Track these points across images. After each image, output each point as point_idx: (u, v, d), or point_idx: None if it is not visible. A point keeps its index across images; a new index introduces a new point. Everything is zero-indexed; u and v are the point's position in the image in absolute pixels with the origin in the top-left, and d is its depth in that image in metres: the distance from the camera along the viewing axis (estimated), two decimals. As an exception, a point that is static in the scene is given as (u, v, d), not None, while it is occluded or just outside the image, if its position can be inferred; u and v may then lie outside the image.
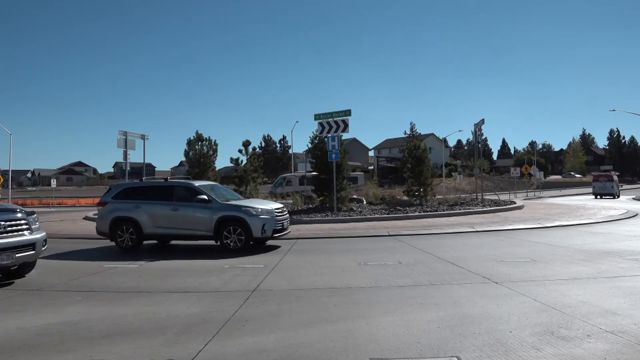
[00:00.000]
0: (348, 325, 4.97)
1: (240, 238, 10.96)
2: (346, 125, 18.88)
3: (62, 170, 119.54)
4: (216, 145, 24.40)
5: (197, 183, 12.21)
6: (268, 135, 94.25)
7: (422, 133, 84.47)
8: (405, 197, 24.70)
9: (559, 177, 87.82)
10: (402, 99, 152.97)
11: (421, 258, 9.42)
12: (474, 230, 14.31)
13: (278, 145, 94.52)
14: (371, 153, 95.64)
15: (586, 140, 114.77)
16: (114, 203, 11.97)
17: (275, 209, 11.60)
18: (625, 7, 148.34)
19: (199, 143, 23.59)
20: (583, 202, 30.07)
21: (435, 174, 55.77)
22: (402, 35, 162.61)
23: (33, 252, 7.62)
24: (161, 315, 5.60)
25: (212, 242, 11.38)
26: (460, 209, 20.97)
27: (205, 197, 11.38)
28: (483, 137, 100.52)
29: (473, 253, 9.92)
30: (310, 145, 22.87)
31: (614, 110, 54.25)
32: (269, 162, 71.18)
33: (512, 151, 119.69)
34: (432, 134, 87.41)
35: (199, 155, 23.15)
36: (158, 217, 11.51)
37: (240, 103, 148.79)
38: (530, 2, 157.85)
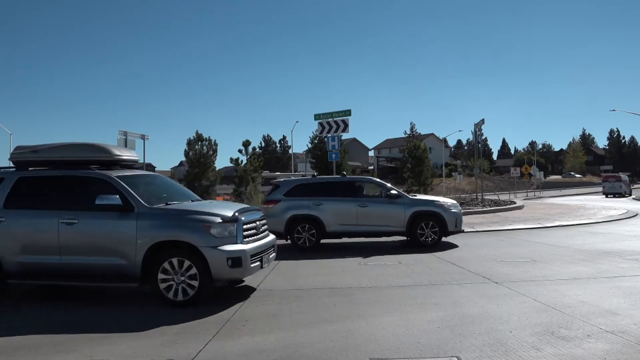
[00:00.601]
0: (348, 325, 4.97)
1: (434, 233, 10.92)
2: (346, 125, 18.86)
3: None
4: (216, 145, 24.42)
5: (377, 179, 12.11)
6: (268, 135, 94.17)
7: (422, 133, 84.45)
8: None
9: (559, 177, 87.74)
10: (402, 99, 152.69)
11: (421, 258, 9.42)
12: (474, 230, 14.32)
13: (278, 145, 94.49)
14: (371, 153, 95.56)
15: (586, 140, 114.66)
16: (287, 201, 11.25)
17: (457, 203, 11.85)
18: (625, 7, 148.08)
19: (199, 143, 23.62)
20: (583, 202, 30.07)
21: (435, 174, 55.76)
22: (402, 35, 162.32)
23: (274, 253, 7.15)
24: (161, 315, 5.60)
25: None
26: (460, 209, 20.95)
27: (395, 192, 11.32)
28: (483, 137, 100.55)
29: (473, 253, 9.92)
30: (310, 145, 22.94)
31: (614, 110, 53.92)
32: (269, 162, 71.17)
33: (512, 151, 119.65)
34: (432, 134, 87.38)
35: (199, 155, 23.18)
36: (343, 214, 11.08)
37: (240, 103, 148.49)
38: (530, 2, 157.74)
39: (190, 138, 23.92)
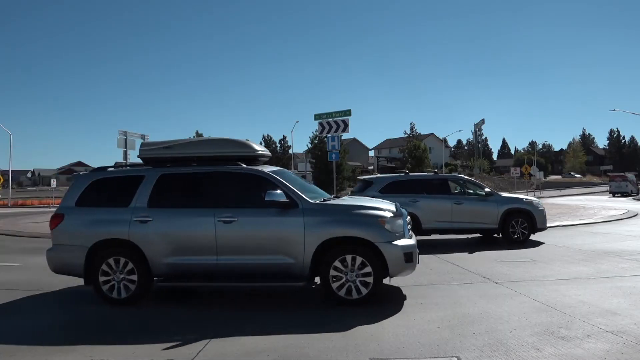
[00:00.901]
0: (348, 325, 4.97)
1: (523, 230, 11.15)
2: (346, 125, 18.84)
3: (62, 170, 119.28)
4: (216, 145, 24.42)
5: (467, 177, 12.37)
6: (268, 135, 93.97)
7: (422, 133, 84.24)
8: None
9: (559, 177, 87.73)
10: (402, 99, 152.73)
11: (421, 258, 9.37)
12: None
13: (278, 145, 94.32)
14: (371, 153, 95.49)
15: (586, 140, 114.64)
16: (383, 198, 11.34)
17: (540, 202, 12.09)
18: (625, 7, 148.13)
19: (199, 143, 23.64)
20: (583, 202, 30.07)
21: (436, 174, 55.39)
22: (402, 35, 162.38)
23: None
24: (161, 315, 5.60)
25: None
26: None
27: (488, 189, 11.60)
28: (483, 137, 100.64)
29: (473, 253, 9.92)
30: (310, 145, 22.94)
31: (614, 110, 53.86)
32: (269, 162, 71.00)
33: (512, 151, 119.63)
34: (432, 134, 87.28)
35: (199, 155, 23.19)
36: (439, 211, 11.19)
37: (240, 103, 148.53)
38: (530, 2, 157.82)
39: (190, 138, 23.99)
